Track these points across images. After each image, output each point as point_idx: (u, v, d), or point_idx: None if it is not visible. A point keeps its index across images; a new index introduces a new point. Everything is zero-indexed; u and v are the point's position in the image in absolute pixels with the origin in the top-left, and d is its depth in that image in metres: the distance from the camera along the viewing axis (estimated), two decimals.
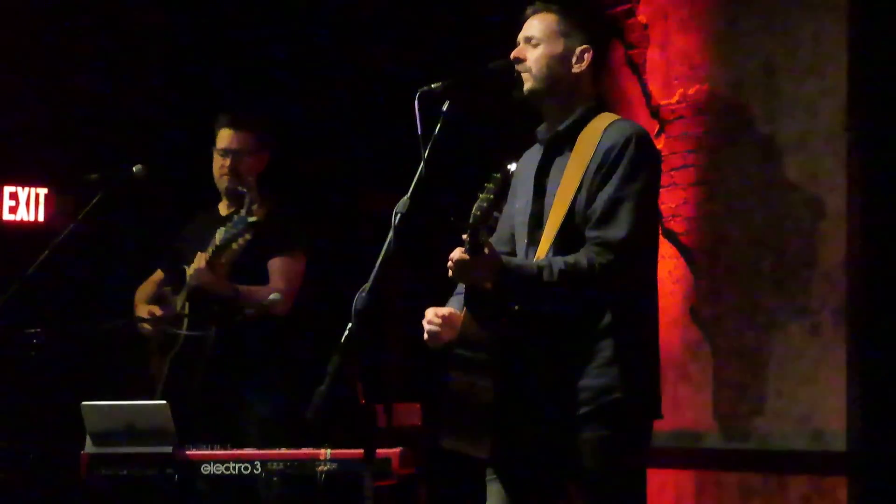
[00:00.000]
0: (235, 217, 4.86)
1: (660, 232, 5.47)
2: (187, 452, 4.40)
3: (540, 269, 3.45)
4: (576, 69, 3.66)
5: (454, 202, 3.46)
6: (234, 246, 4.86)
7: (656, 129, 6.20)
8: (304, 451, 4.33)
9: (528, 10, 3.72)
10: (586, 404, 3.49)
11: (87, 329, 5.63)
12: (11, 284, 4.84)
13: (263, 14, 7.25)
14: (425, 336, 3.61)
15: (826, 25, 5.63)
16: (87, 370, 6.42)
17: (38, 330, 4.80)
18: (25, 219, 6.98)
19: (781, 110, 5.79)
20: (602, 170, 3.53)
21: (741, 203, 5.92)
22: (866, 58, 5.56)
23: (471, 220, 3.32)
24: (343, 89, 7.23)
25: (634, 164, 3.53)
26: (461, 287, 3.66)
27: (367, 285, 3.31)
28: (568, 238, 3.52)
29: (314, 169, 7.03)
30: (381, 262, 3.35)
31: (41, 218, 6.99)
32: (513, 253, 3.69)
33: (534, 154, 3.75)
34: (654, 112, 6.28)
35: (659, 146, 5.93)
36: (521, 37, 3.69)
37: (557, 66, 3.64)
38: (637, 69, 6.40)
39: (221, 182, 5.27)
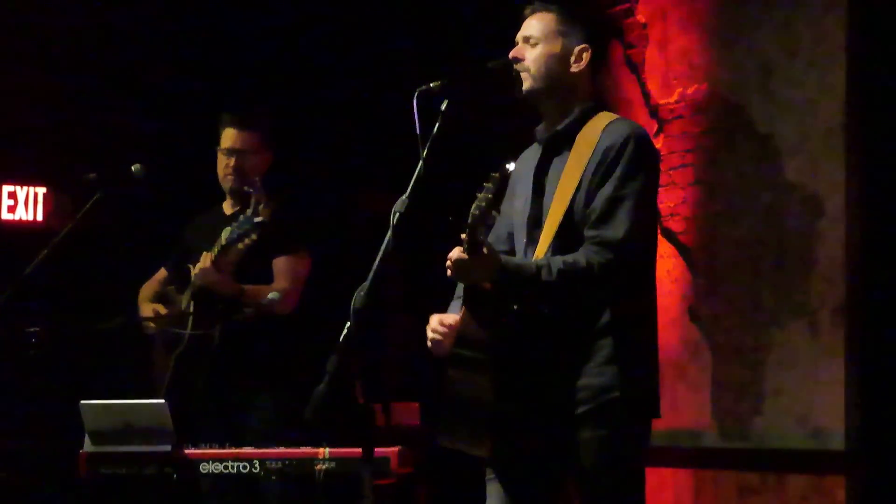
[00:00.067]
0: (241, 217, 4.87)
1: (658, 231, 5.47)
2: (186, 451, 4.39)
3: (539, 268, 3.45)
4: (574, 69, 3.66)
5: (453, 201, 3.46)
6: (240, 246, 4.87)
7: (655, 129, 6.20)
8: (303, 450, 4.32)
9: (527, 10, 3.72)
10: (585, 403, 3.49)
11: (85, 328, 5.64)
12: (10, 284, 4.84)
13: (263, 13, 7.25)
14: (429, 344, 3.62)
15: (825, 25, 5.63)
16: (86, 369, 6.42)
17: (37, 329, 4.79)
18: (24, 218, 6.98)
19: (780, 110, 5.79)
20: (601, 169, 3.53)
21: (740, 202, 5.92)
22: (865, 57, 5.56)
23: (469, 220, 3.32)
24: (341, 88, 7.23)
25: (633, 163, 3.53)
26: (461, 290, 3.66)
27: (365, 284, 3.32)
28: (567, 237, 3.52)
29: (312, 168, 7.03)
30: (379, 262, 3.35)
31: (40, 217, 7.00)
32: (511, 252, 3.69)
33: (532, 153, 3.75)
34: (653, 111, 6.28)
35: (658, 145, 5.93)
36: (519, 36, 3.69)
37: (556, 66, 3.64)
38: (636, 69, 6.41)
39: (226, 182, 5.28)
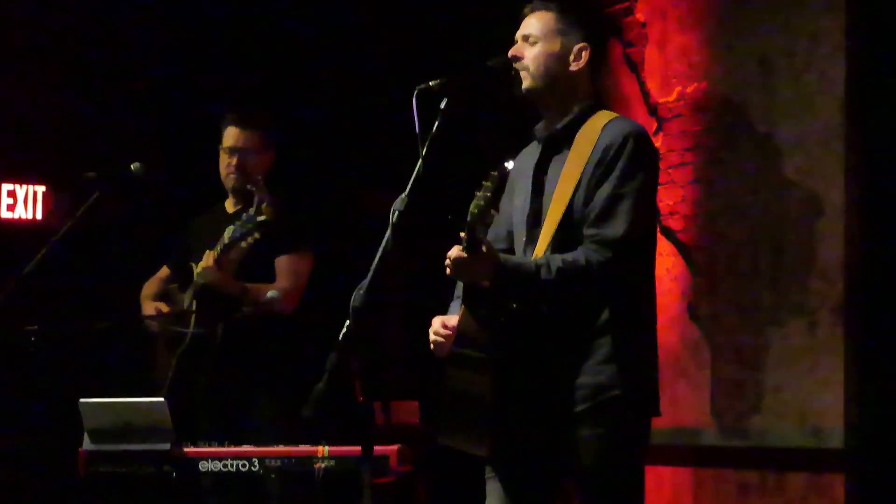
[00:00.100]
0: (244, 215, 4.87)
1: (658, 230, 5.47)
2: (185, 449, 4.40)
3: (538, 266, 3.45)
4: (573, 67, 3.66)
5: (452, 200, 3.46)
6: (243, 244, 4.88)
7: (654, 127, 6.20)
8: (302, 448, 4.33)
9: (527, 9, 3.72)
10: (585, 402, 3.50)
11: (84, 327, 5.63)
12: (9, 282, 4.84)
13: (262, 11, 7.25)
14: (431, 346, 3.62)
15: (824, 23, 5.63)
16: (85, 368, 6.42)
17: (36, 327, 4.79)
18: (23, 216, 6.99)
19: (779, 108, 5.79)
20: (600, 168, 3.54)
21: (739, 201, 5.92)
22: (864, 56, 5.56)
23: (468, 219, 3.32)
24: (340, 86, 7.23)
25: (633, 162, 3.53)
26: (461, 289, 3.66)
27: (364, 283, 3.32)
28: (566, 236, 3.53)
29: (312, 166, 7.03)
30: (379, 260, 3.36)
31: (39, 216, 7.00)
32: (510, 251, 3.69)
33: (531, 152, 3.75)
34: (653, 110, 6.28)
35: (657, 144, 5.92)
36: (518, 35, 3.69)
37: (555, 65, 3.65)
38: (635, 67, 6.41)
39: (228, 180, 5.28)
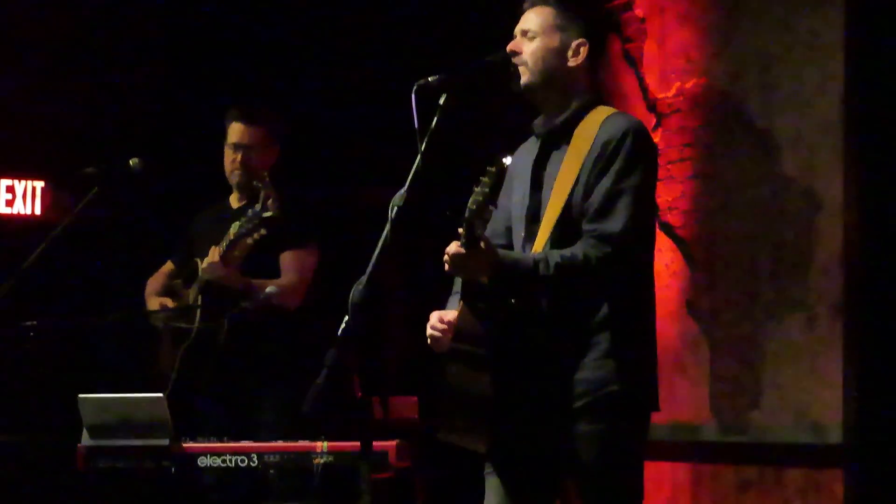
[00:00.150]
0: (249, 211, 4.87)
1: (656, 225, 5.47)
2: (184, 445, 4.40)
3: (536, 262, 3.45)
4: (572, 63, 3.66)
5: (451, 195, 3.46)
6: (249, 240, 4.88)
7: (653, 123, 6.20)
8: (301, 443, 4.33)
9: (526, 4, 3.72)
10: (583, 397, 3.50)
11: (83, 322, 5.64)
12: (8, 277, 4.84)
13: (261, 7, 7.24)
14: (429, 340, 3.62)
15: (823, 19, 5.63)
16: (84, 363, 6.42)
17: (35, 323, 4.79)
18: (22, 212, 6.98)
19: (778, 104, 5.79)
20: (599, 163, 3.53)
21: (738, 196, 5.92)
22: (863, 52, 5.56)
23: (467, 214, 3.32)
24: (339, 82, 7.23)
25: (631, 157, 3.53)
26: (459, 285, 3.66)
27: (363, 278, 3.32)
28: (565, 232, 3.52)
29: (311, 162, 7.02)
30: (377, 255, 3.36)
31: (38, 211, 7.00)
32: (509, 246, 3.69)
33: (530, 147, 3.75)
34: (651, 106, 6.28)
35: (656, 139, 5.92)
36: (517, 30, 3.69)
37: (553, 60, 3.64)
38: (634, 63, 6.40)
39: (233, 176, 5.29)
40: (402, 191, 3.39)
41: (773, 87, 5.81)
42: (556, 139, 3.66)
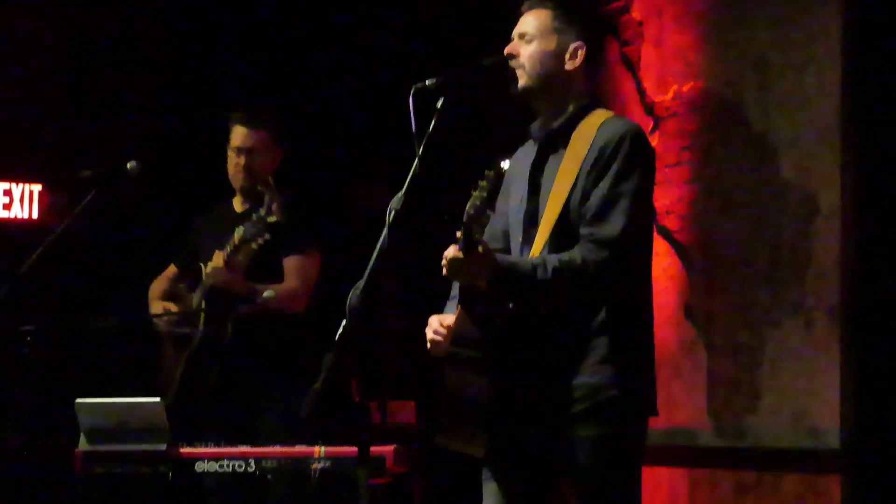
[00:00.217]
0: (254, 216, 4.87)
1: (654, 229, 5.46)
2: (181, 450, 4.39)
3: (534, 266, 3.44)
4: (569, 66, 3.66)
5: (448, 199, 3.46)
6: (253, 245, 4.88)
7: (651, 126, 6.20)
8: (298, 448, 4.32)
9: (523, 6, 3.72)
10: (581, 402, 3.49)
11: (80, 326, 5.63)
12: (5, 282, 4.83)
13: (261, 9, 7.25)
14: (428, 345, 3.61)
15: (821, 22, 5.63)
16: (81, 367, 6.41)
17: (32, 327, 4.78)
18: (19, 215, 6.98)
19: (776, 107, 5.79)
20: (597, 167, 3.53)
21: (735, 200, 5.92)
22: (861, 55, 5.56)
23: (464, 218, 3.31)
24: (336, 85, 7.22)
25: (629, 161, 3.53)
26: (457, 289, 3.66)
27: (361, 282, 3.31)
28: (563, 236, 3.52)
29: (308, 166, 7.02)
30: (375, 259, 3.35)
31: (35, 215, 6.99)
32: (507, 251, 3.69)
33: (527, 151, 3.74)
34: (649, 109, 6.28)
35: (653, 143, 5.91)
36: (515, 33, 3.69)
37: (551, 63, 3.64)
38: (631, 66, 6.40)
39: (236, 180, 5.28)
40: (400, 194, 3.39)
41: (770, 91, 5.81)
42: (554, 143, 3.65)
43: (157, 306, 5.36)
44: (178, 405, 5.02)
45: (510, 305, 3.50)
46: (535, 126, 3.72)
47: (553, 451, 3.52)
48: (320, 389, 3.23)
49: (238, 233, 4.90)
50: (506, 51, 3.66)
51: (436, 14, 7.01)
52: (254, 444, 4.46)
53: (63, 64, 7.03)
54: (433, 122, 3.49)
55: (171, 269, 5.47)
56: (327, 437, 4.28)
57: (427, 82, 3.53)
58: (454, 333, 3.53)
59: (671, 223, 6.12)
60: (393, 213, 3.37)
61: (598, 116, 3.63)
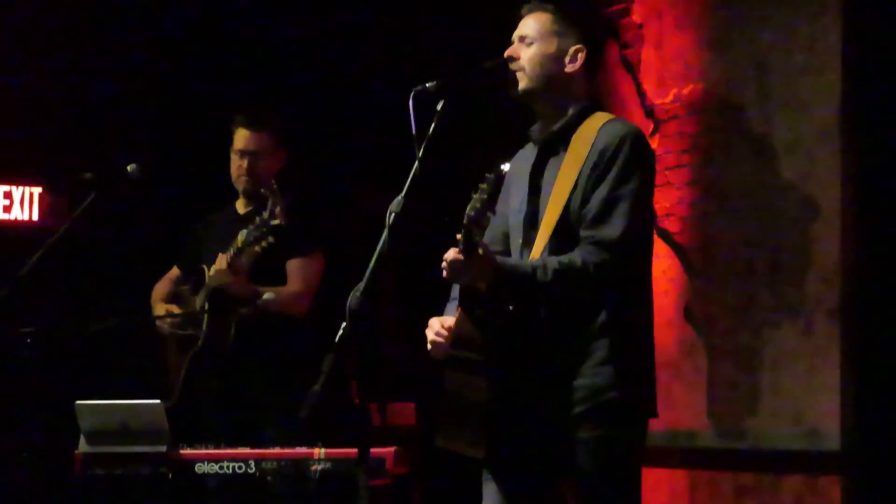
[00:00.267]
0: (257, 219, 4.87)
1: (654, 231, 5.47)
2: (181, 452, 4.39)
3: (534, 269, 3.45)
4: (569, 69, 3.66)
5: (448, 202, 3.46)
6: (257, 248, 4.88)
7: (651, 129, 6.20)
8: (298, 450, 4.32)
9: (523, 9, 3.72)
10: (581, 404, 3.49)
11: (80, 329, 5.63)
12: (5, 284, 4.83)
13: (263, 12, 7.25)
14: (429, 346, 3.61)
15: (821, 25, 5.63)
16: (82, 370, 6.41)
17: (32, 329, 4.79)
18: (19, 218, 6.98)
19: (776, 110, 5.79)
20: (597, 169, 3.53)
21: (735, 202, 5.92)
22: (861, 58, 5.56)
23: (465, 221, 3.32)
24: (338, 88, 7.23)
25: (629, 163, 3.53)
26: (457, 291, 3.66)
27: (361, 284, 3.31)
28: (563, 238, 3.52)
29: (309, 168, 7.02)
30: (375, 262, 3.35)
31: (35, 217, 6.99)
32: (507, 253, 3.69)
33: (527, 153, 3.75)
34: (649, 111, 6.28)
35: (653, 145, 5.92)
36: (515, 35, 3.69)
37: (551, 66, 3.64)
38: (631, 68, 6.41)
39: (240, 182, 5.29)
40: (400, 197, 3.39)
41: (770, 93, 5.81)
42: (554, 145, 3.65)
43: (160, 308, 5.36)
44: (181, 407, 5.02)
45: (510, 307, 3.50)
46: (536, 128, 3.73)
47: (553, 453, 3.52)
48: (320, 391, 3.23)
49: (241, 235, 4.90)
50: (506, 53, 3.67)
51: (437, 17, 7.01)
52: (255, 446, 4.46)
53: (63, 65, 7.03)
54: (433, 124, 3.49)
55: (175, 272, 5.47)
56: (327, 438, 4.28)
57: (427, 85, 3.53)
58: (454, 335, 3.53)
59: (671, 225, 6.12)
60: (393, 215, 3.37)
61: (599, 119, 3.63)
